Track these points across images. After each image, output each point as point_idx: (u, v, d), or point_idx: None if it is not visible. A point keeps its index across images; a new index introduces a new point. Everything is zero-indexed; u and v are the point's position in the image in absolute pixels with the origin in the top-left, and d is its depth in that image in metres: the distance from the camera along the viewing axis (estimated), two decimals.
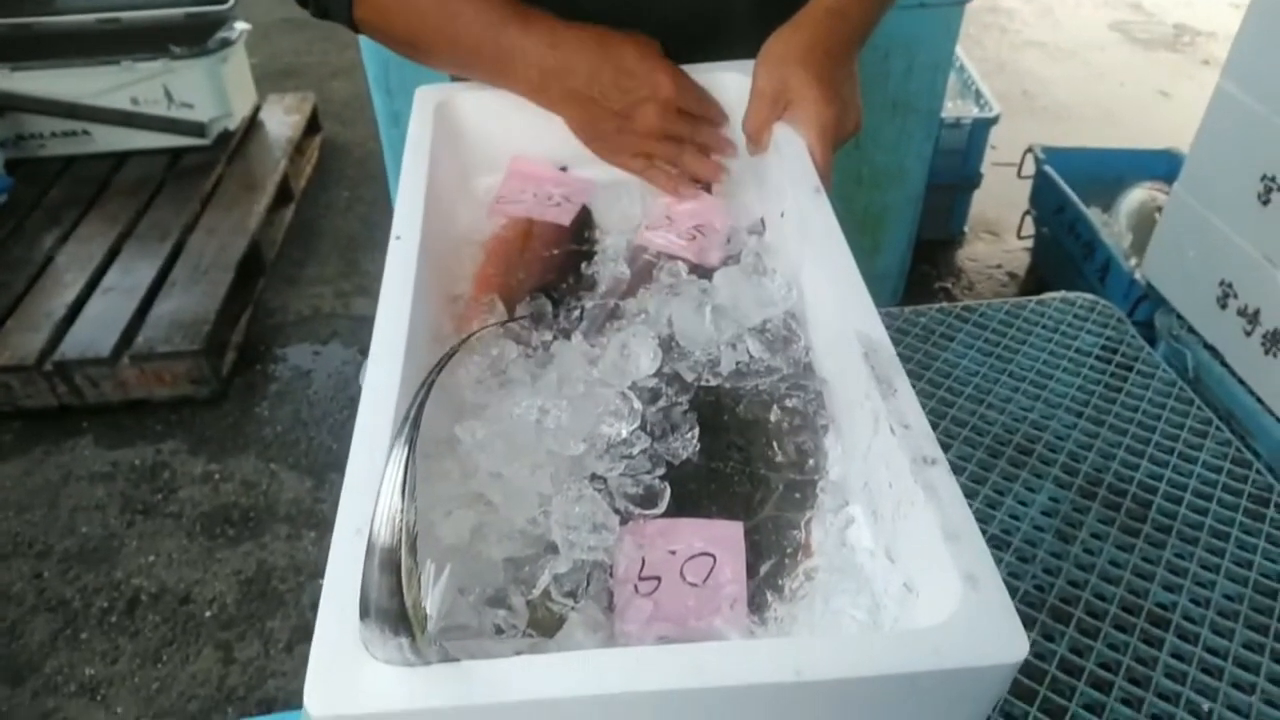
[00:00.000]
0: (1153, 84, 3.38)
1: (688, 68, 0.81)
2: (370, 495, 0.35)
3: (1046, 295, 1.07)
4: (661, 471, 0.55)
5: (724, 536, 0.52)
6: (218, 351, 2.08)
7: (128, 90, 2.53)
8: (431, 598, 0.37)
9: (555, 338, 0.64)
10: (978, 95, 2.38)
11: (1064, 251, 2.18)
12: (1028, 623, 0.72)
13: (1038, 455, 0.87)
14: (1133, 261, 1.92)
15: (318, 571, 1.63)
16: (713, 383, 0.61)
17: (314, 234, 2.62)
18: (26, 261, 2.23)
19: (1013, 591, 0.74)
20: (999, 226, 2.62)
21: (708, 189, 0.77)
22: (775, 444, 0.57)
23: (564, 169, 0.80)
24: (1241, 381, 1.58)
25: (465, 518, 0.52)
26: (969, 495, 0.82)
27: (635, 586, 0.50)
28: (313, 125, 2.95)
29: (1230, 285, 1.58)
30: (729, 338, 0.63)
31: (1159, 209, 1.96)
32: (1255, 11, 1.50)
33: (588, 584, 0.50)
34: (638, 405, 0.57)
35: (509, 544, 0.51)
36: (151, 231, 2.34)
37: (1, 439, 1.99)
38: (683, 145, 0.75)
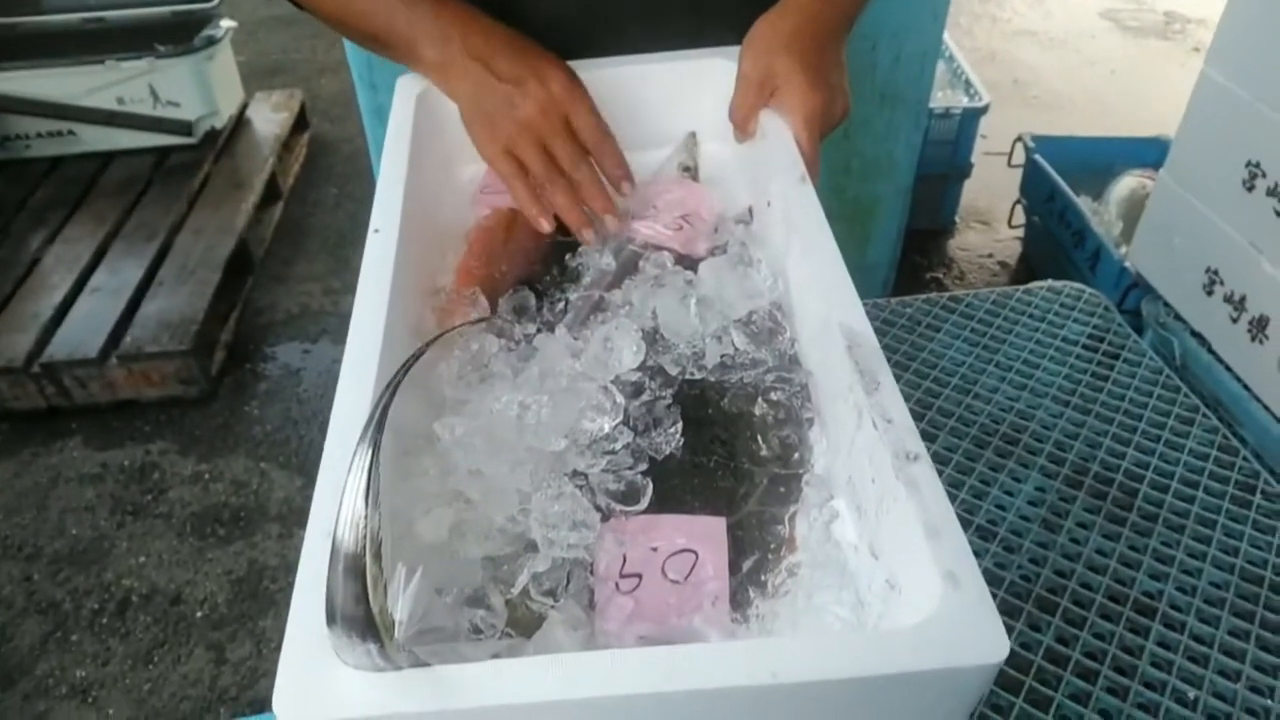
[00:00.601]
0: (1143, 72, 3.38)
1: (674, 54, 0.81)
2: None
3: (1033, 284, 1.07)
4: (644, 467, 0.54)
5: (706, 532, 0.52)
6: (206, 351, 2.07)
7: (113, 90, 2.51)
8: (402, 601, 0.36)
9: (539, 330, 0.64)
10: (967, 85, 2.37)
11: (1054, 240, 2.18)
12: (1014, 613, 0.72)
13: (1024, 445, 0.87)
14: (1123, 249, 1.92)
15: None
16: (697, 376, 0.60)
17: (302, 232, 2.61)
18: (13, 263, 2.22)
19: (999, 582, 0.74)
20: (990, 216, 2.61)
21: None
22: (759, 438, 0.57)
23: None
24: (1228, 368, 1.58)
25: (444, 516, 0.51)
26: (955, 486, 0.82)
27: (616, 584, 0.50)
28: (300, 123, 2.94)
29: (1216, 272, 1.58)
30: (714, 330, 0.63)
31: (1149, 197, 1.96)
32: None
33: (568, 582, 0.49)
34: (620, 400, 0.56)
35: (488, 542, 0.51)
36: (139, 231, 2.33)
37: None
38: (555, 174, 0.68)
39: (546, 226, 0.68)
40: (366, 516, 0.33)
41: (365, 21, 0.74)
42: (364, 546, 0.33)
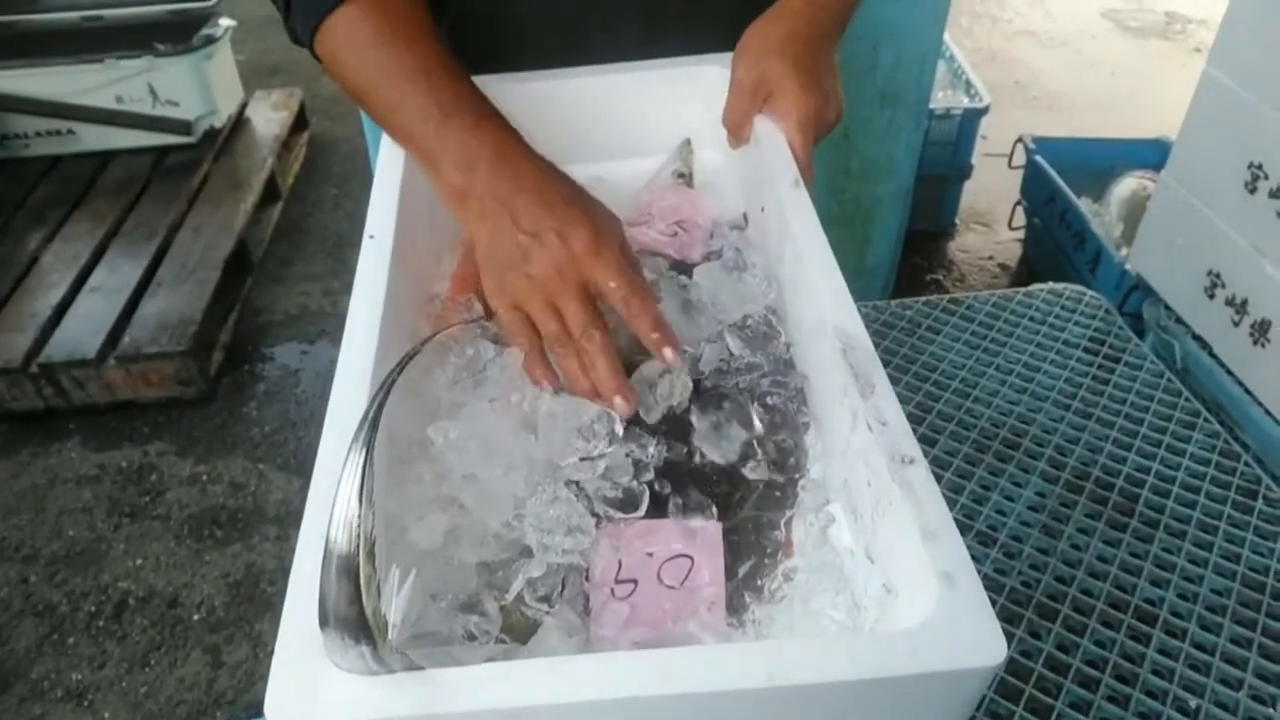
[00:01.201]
0: (1144, 73, 3.38)
1: (668, 61, 0.80)
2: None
3: (1034, 286, 1.06)
4: (647, 476, 0.54)
5: (702, 538, 0.52)
6: (205, 352, 2.07)
7: (112, 88, 2.51)
8: (396, 604, 0.36)
9: None
10: (968, 85, 2.37)
11: (1055, 242, 2.18)
12: (1014, 620, 0.71)
13: (1024, 449, 0.86)
14: (1124, 252, 1.91)
15: None
16: (693, 380, 0.60)
17: (302, 232, 2.60)
18: (11, 262, 2.21)
19: (999, 588, 0.74)
20: (990, 217, 2.61)
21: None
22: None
23: None
24: (1230, 372, 1.58)
25: (438, 521, 0.51)
26: (955, 491, 0.82)
27: (611, 590, 0.50)
28: (300, 122, 2.93)
29: (1218, 275, 1.58)
30: (709, 335, 0.62)
31: (1150, 198, 1.96)
32: None
33: (563, 588, 0.49)
34: (619, 427, 0.55)
35: (483, 548, 0.50)
36: (137, 231, 2.32)
37: None
38: (564, 337, 0.58)
39: (550, 388, 0.58)
40: (360, 517, 0.33)
41: (389, 114, 0.65)
42: (357, 547, 0.32)
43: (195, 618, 1.62)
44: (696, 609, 0.49)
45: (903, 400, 0.49)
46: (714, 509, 0.53)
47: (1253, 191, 1.48)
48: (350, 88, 0.67)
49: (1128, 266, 1.85)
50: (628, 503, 0.52)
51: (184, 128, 2.60)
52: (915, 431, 0.47)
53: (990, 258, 2.50)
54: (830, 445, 0.55)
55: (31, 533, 1.78)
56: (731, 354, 0.61)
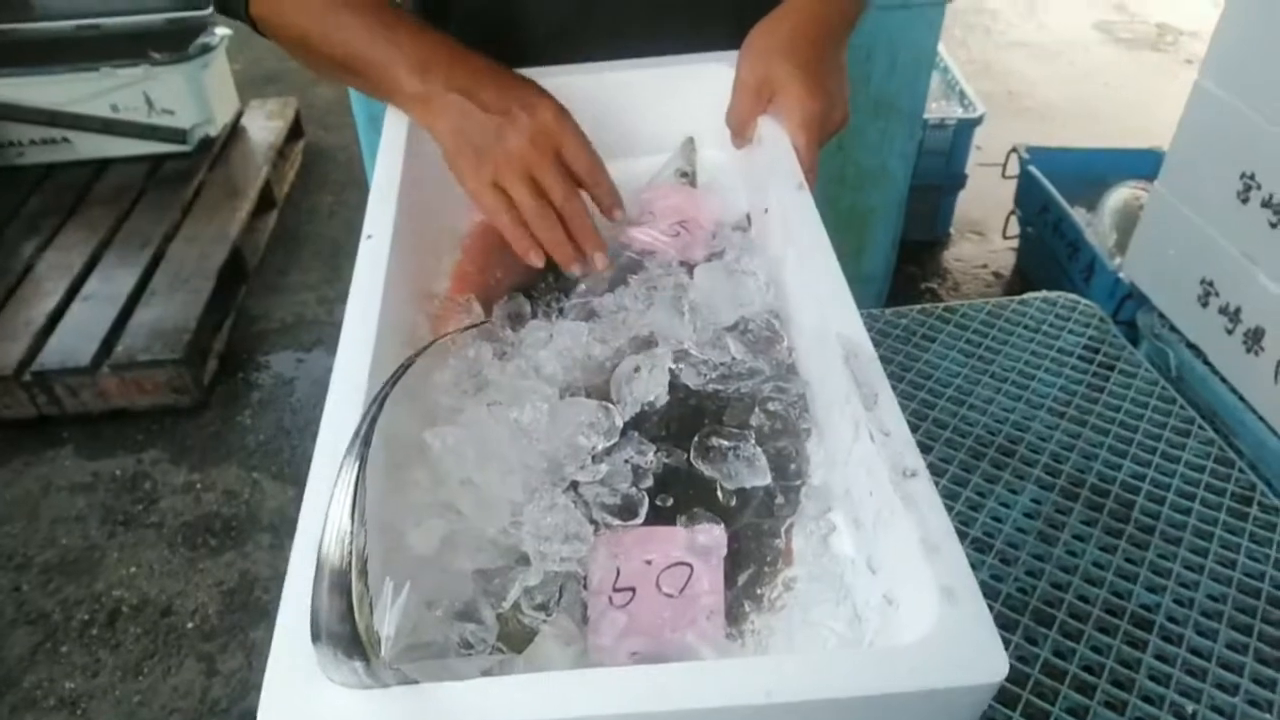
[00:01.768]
0: (1137, 83, 3.40)
1: (672, 59, 0.80)
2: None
3: (1028, 295, 1.07)
4: (647, 483, 0.54)
5: (702, 545, 0.51)
6: (199, 360, 2.06)
7: (108, 97, 2.51)
8: (390, 616, 0.36)
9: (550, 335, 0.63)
10: (962, 96, 2.38)
11: (1049, 251, 2.19)
12: (1010, 626, 0.71)
13: (1020, 457, 0.86)
14: (1117, 261, 1.92)
15: None
16: (694, 385, 0.60)
17: (297, 240, 2.60)
18: (5, 270, 2.20)
19: (995, 595, 0.74)
20: (984, 227, 2.62)
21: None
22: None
23: None
24: (1224, 380, 1.58)
25: (435, 528, 0.51)
26: (950, 498, 0.82)
27: (609, 598, 0.49)
28: (295, 131, 2.93)
29: (1211, 283, 1.58)
30: (708, 338, 0.62)
31: (1143, 208, 1.97)
32: (1232, 8, 1.50)
33: (560, 596, 0.48)
34: (618, 421, 0.55)
35: (479, 555, 0.50)
36: (132, 239, 2.32)
37: None
38: (545, 207, 0.65)
39: (538, 262, 0.66)
40: (352, 533, 0.32)
41: (339, 47, 0.69)
42: (349, 563, 0.32)
43: (189, 626, 1.62)
44: (695, 618, 0.48)
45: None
46: (714, 516, 0.53)
47: (1245, 201, 1.49)
48: (292, 35, 0.71)
49: (1121, 275, 1.86)
50: (626, 509, 0.52)
51: (179, 136, 2.59)
52: (914, 441, 0.47)
53: (985, 266, 2.51)
54: (832, 453, 0.55)
55: (25, 541, 1.77)
56: (733, 358, 0.60)
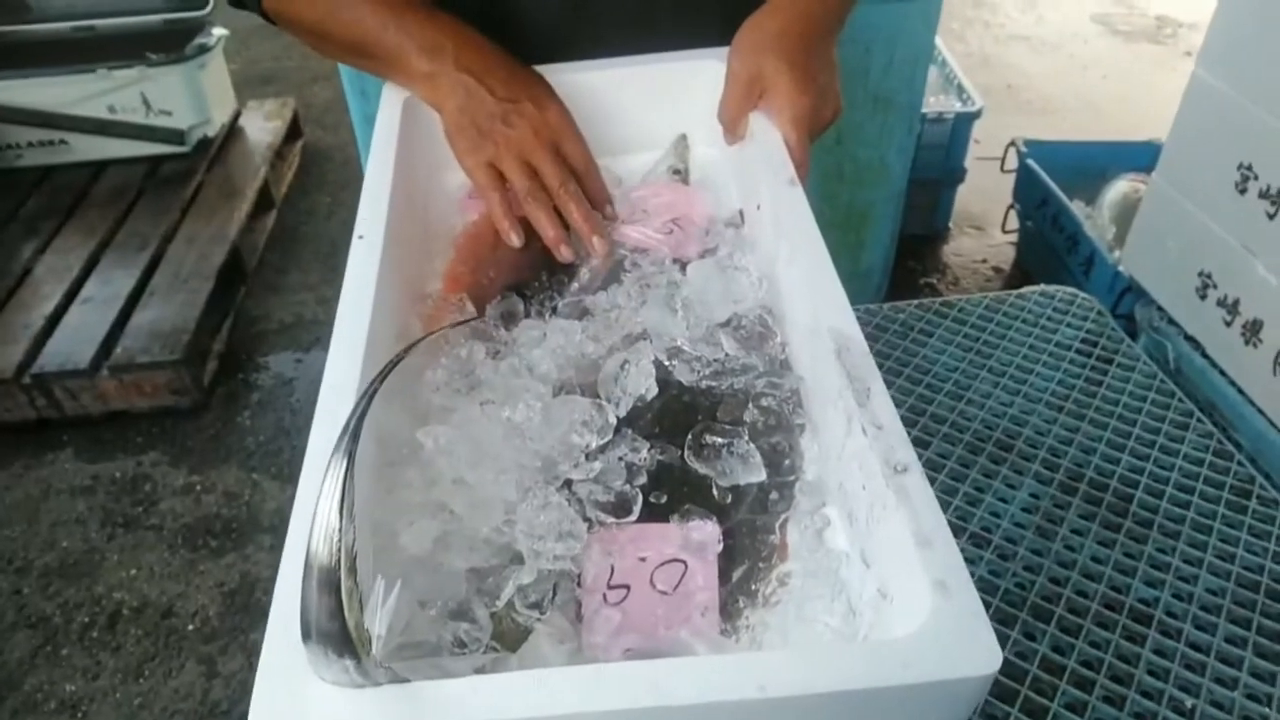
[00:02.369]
0: (1135, 76, 3.39)
1: (663, 55, 0.80)
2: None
3: (1026, 289, 1.06)
4: (641, 480, 0.53)
5: (696, 542, 0.51)
6: (198, 361, 2.06)
7: (105, 98, 2.51)
8: (381, 615, 0.35)
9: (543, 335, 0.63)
10: (960, 89, 2.37)
11: (1048, 245, 2.18)
12: (1009, 621, 0.71)
13: (1018, 451, 0.86)
14: (1116, 254, 1.91)
15: None
16: (687, 381, 0.59)
17: (296, 240, 2.60)
18: (4, 273, 2.20)
19: (994, 590, 0.73)
20: (984, 221, 2.61)
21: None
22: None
23: None
24: (1222, 372, 1.58)
25: (428, 527, 0.51)
26: (948, 493, 0.82)
27: (604, 596, 0.49)
28: (293, 131, 2.93)
29: (1209, 275, 1.58)
30: (701, 334, 0.62)
31: (1142, 200, 1.96)
32: None
33: (554, 594, 0.48)
34: (612, 419, 0.55)
35: (473, 554, 0.50)
36: (130, 241, 2.32)
37: None
38: (538, 189, 0.68)
39: (516, 241, 0.68)
40: (341, 530, 0.32)
41: (351, 30, 0.72)
42: (338, 560, 0.32)
43: (190, 628, 1.62)
44: (690, 615, 0.48)
45: (896, 403, 0.49)
46: (708, 512, 0.52)
47: (1243, 192, 1.49)
48: (306, 24, 0.73)
49: (1120, 268, 1.85)
50: (620, 507, 0.52)
51: (177, 137, 2.59)
52: (909, 434, 0.47)
53: (984, 261, 2.51)
54: (826, 447, 0.55)
55: (25, 544, 1.78)
56: (727, 355, 0.60)
